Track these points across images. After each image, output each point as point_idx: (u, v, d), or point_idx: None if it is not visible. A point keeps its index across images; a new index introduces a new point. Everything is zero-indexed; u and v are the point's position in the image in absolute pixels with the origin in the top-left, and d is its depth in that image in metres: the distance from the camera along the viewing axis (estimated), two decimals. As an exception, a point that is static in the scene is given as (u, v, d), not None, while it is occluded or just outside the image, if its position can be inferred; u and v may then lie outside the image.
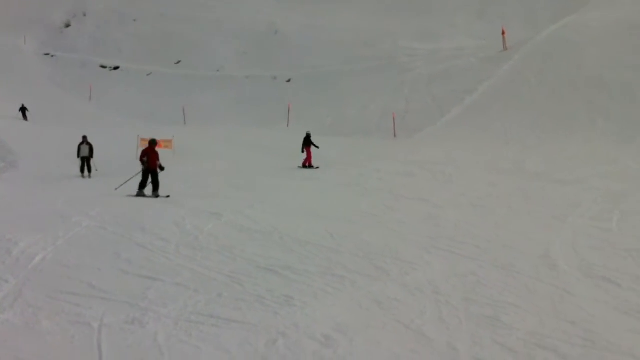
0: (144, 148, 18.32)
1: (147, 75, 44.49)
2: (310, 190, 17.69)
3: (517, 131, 24.86)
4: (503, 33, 33.73)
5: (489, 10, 41.03)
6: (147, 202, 15.86)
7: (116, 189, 17.49)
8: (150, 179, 17.49)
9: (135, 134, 26.03)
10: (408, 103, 31.10)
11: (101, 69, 46.23)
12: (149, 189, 17.40)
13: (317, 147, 22.92)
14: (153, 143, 18.05)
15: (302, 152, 22.95)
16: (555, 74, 28.95)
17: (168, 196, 16.79)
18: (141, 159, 17.79)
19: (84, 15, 52.29)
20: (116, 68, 46.12)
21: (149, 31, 49.41)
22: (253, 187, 18.32)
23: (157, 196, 17.14)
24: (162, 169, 17.69)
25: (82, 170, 22.29)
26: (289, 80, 39.01)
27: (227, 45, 45.00)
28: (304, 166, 22.45)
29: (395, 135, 27.74)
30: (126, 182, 17.84)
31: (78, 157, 22.51)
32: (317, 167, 22.12)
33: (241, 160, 22.96)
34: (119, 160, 23.57)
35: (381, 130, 29.03)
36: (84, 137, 22.78)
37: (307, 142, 23.04)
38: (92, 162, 22.35)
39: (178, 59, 45.43)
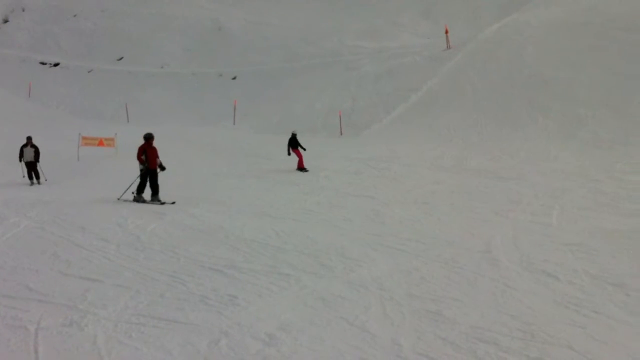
0: (140, 145, 15.84)
1: (89, 72, 43.48)
2: (257, 188, 17.58)
3: (461, 129, 25.25)
4: (446, 32, 34.22)
5: (433, 9, 41.55)
6: (87, 202, 15.44)
7: (118, 199, 15.49)
8: (148, 182, 15.63)
9: (76, 131, 25.40)
10: (354, 101, 31.24)
11: (41, 65, 44.95)
12: (147, 194, 15.65)
13: (304, 149, 20.99)
14: (150, 137, 15.77)
15: (289, 154, 20.97)
16: (497, 72, 29.52)
17: (173, 202, 15.02)
18: (139, 158, 15.58)
19: (23, 10, 50.76)
20: (56, 64, 44.89)
21: (89, 27, 48.30)
22: (198, 185, 18.10)
23: (160, 202, 15.16)
24: (162, 168, 15.75)
25: (30, 177, 19.65)
26: (234, 78, 38.69)
27: (171, 41, 44.36)
28: (299, 169, 20.39)
29: (341, 133, 27.84)
30: (127, 188, 15.78)
31: (20, 160, 19.96)
32: (307, 170, 20.25)
33: (186, 159, 22.67)
34: (60, 159, 22.94)
35: (328, 127, 29.10)
36: (29, 139, 20.14)
37: (294, 143, 21.00)
38: (39, 167, 19.79)
39: (120, 55, 44.54)
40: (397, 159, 21.11)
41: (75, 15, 50.09)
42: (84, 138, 24.39)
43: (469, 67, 30.87)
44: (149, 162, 15.52)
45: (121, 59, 44.31)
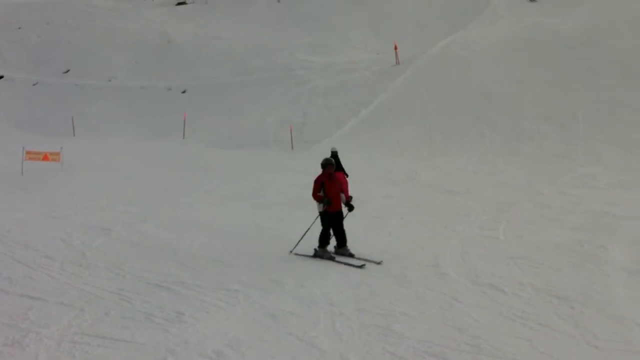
0: (317, 176, 11.38)
1: (34, 85, 42.47)
2: (206, 203, 17.37)
3: (411, 143, 25.49)
4: (395, 48, 34.63)
5: (382, 25, 41.98)
6: (31, 218, 14.97)
7: (291, 252, 11.44)
8: (331, 227, 11.32)
9: (20, 145, 24.73)
10: (305, 115, 31.27)
11: (-16, 78, 43.73)
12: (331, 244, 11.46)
13: (347, 174, 16.41)
14: (328, 164, 11.31)
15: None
16: (446, 87, 29.98)
17: (379, 262, 10.64)
18: (315, 195, 11.18)
19: (-35, 22, 49.43)
20: (0, 77, 43.76)
21: (34, 39, 47.25)
22: (146, 200, 17.78)
23: (351, 255, 11.12)
24: (350, 208, 11.34)
25: None
26: (184, 92, 38.30)
27: (118, 54, 43.69)
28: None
29: (292, 147, 27.81)
30: (302, 237, 11.68)
31: None
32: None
33: (134, 174, 22.27)
34: (4, 174, 22.29)
35: (279, 142, 29.02)
36: None
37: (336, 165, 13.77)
38: None
39: (66, 67, 43.61)
40: (348, 172, 21.16)
41: (19, 28, 48.97)
42: (28, 152, 23.73)
43: (418, 82, 31.28)
44: (331, 199, 11.14)
45: (67, 71, 43.41)
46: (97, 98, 39.41)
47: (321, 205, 11.14)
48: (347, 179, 15.69)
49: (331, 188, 11.13)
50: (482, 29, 35.65)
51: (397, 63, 34.10)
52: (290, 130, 28.32)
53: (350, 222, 13.89)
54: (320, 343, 7.20)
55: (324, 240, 11.24)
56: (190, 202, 17.58)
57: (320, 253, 11.19)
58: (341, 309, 8.31)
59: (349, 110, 30.25)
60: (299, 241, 11.56)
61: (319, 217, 11.37)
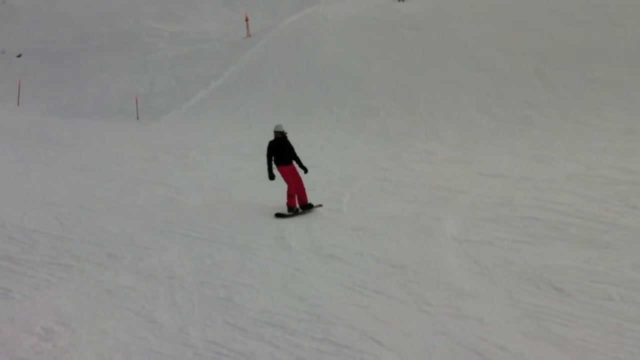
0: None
1: None
2: (43, 175, 16.34)
3: (260, 117, 25.39)
4: (246, 20, 34.28)
5: (234, -4, 41.41)
6: None
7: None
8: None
9: None
10: (152, 85, 30.20)
11: None
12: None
13: (305, 169, 12.81)
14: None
15: (271, 176, 12.69)
16: (296, 62, 30.12)
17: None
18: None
19: None
20: None
21: None
22: (-27, 171, 16.41)
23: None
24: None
25: None
26: (19, 55, 35.66)
27: (-55, 12, 39.90)
28: (300, 208, 12.43)
29: (138, 118, 26.79)
30: None
31: None
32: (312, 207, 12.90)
33: (-40, 142, 20.49)
34: None
35: (123, 112, 27.83)
36: None
37: (282, 154, 12.59)
38: None
39: None
40: (196, 145, 20.77)
41: None
42: None
43: (269, 56, 31.20)
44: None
45: None
46: None
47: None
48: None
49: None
50: (333, 5, 36.11)
51: (248, 35, 33.79)
52: (136, 101, 27.28)
53: (195, 196, 13.67)
54: (159, 317, 7.00)
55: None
56: (24, 172, 16.45)
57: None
58: (182, 282, 8.14)
59: (199, 82, 29.62)
60: None
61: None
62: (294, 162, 12.58)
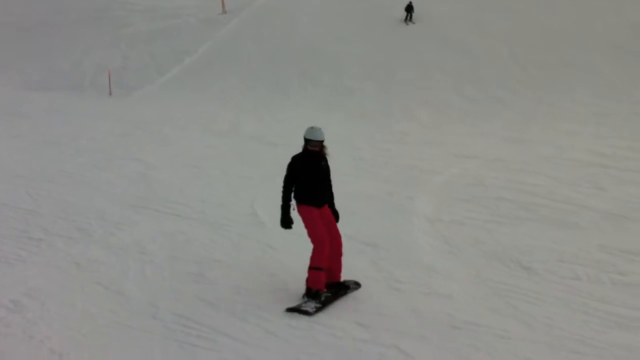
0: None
1: None
2: (12, 149, 16.09)
3: (235, 94, 25.25)
4: (223, -4, 33.99)
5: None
6: None
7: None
8: None
9: None
10: (125, 60, 29.86)
11: None
12: None
13: (336, 213, 7.84)
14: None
15: (286, 212, 7.30)
16: (272, 40, 29.96)
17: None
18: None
19: None
20: None
21: None
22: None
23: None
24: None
25: None
26: (-11, 28, 35.08)
27: None
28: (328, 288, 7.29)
29: (110, 93, 26.47)
30: None
31: None
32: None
33: None
34: None
35: (96, 87, 27.49)
36: None
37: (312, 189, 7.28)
38: None
39: None
40: (169, 121, 20.57)
41: None
42: None
43: (244, 33, 30.98)
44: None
45: None
46: None
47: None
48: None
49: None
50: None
51: (224, 12, 33.49)
52: (109, 75, 26.93)
53: (168, 172, 13.56)
54: (128, 291, 6.96)
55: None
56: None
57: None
58: (152, 257, 8.08)
59: (173, 58, 29.37)
60: None
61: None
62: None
